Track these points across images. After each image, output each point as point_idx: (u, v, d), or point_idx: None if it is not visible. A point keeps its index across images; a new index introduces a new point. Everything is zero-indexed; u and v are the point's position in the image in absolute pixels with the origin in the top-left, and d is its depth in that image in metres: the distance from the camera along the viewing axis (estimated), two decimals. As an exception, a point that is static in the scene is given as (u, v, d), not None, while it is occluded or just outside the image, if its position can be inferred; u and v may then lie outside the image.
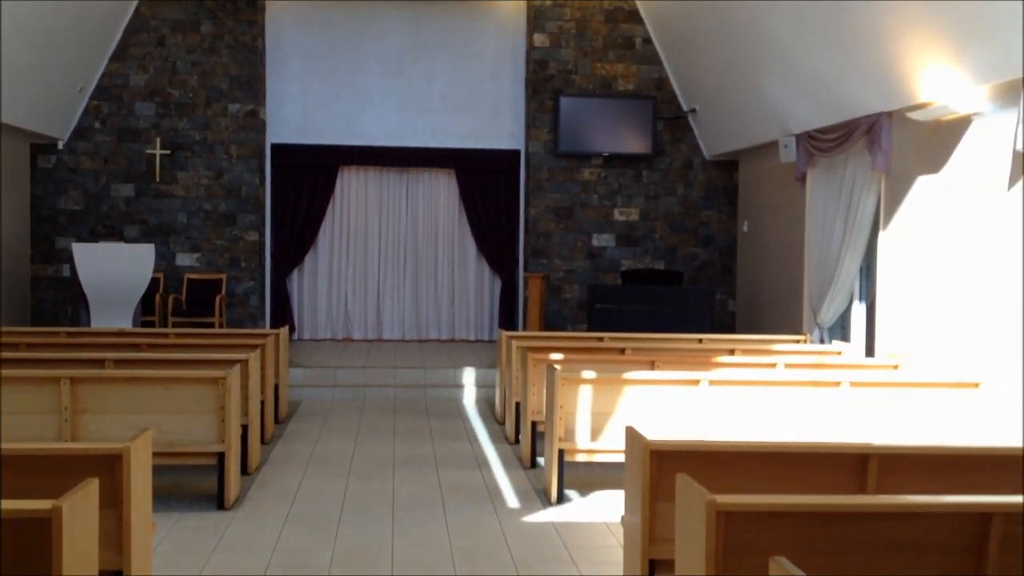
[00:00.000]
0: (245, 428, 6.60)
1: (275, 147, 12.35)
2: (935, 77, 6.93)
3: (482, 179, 12.62)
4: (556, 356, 7.26)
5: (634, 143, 12.15)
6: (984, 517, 3.18)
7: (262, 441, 7.51)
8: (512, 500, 6.28)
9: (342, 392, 9.89)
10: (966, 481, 4.13)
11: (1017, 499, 3.33)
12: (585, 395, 6.05)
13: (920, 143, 7.48)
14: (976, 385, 6.21)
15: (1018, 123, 5.99)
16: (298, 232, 12.49)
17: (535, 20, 12.21)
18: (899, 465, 4.10)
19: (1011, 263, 6.34)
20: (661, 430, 5.80)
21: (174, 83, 11.92)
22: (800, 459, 4.12)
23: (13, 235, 10.93)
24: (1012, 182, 6.33)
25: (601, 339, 8.67)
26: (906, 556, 3.19)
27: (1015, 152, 6.18)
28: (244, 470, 6.61)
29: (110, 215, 11.91)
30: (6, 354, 6.97)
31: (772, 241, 10.87)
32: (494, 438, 8.20)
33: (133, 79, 11.87)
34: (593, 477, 6.68)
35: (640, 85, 12.30)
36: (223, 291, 11.87)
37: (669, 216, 12.42)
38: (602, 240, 12.37)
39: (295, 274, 12.73)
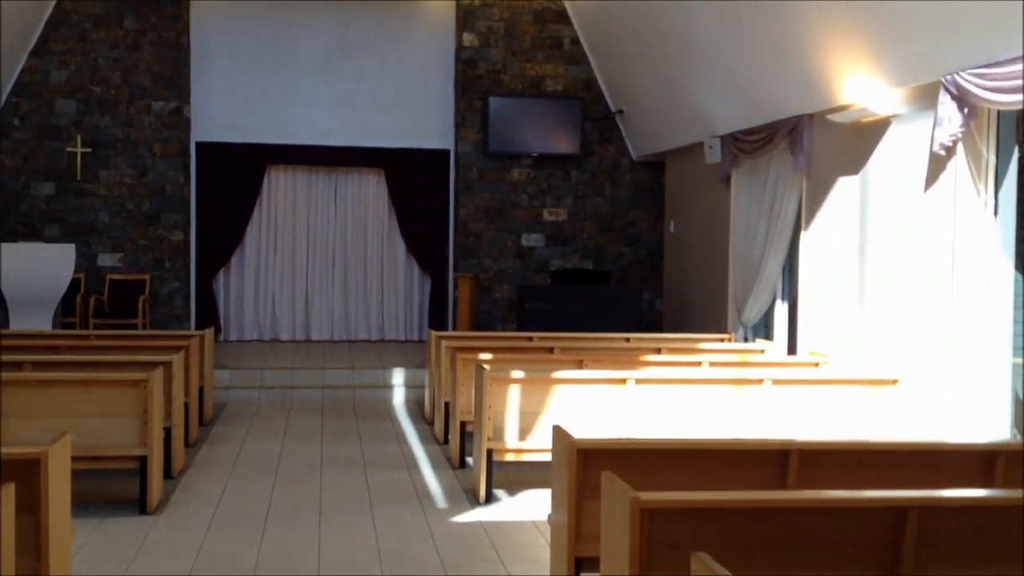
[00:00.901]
0: (168, 431, 6.49)
1: (200, 145, 12.13)
2: (855, 80, 7.11)
3: (412, 179, 12.57)
4: (485, 356, 7.27)
5: (563, 143, 12.23)
6: (900, 511, 3.27)
7: (186, 444, 7.39)
8: (440, 500, 6.28)
9: (269, 394, 9.77)
10: (884, 476, 4.24)
11: (932, 493, 3.44)
12: (514, 395, 6.07)
13: (840, 144, 7.67)
14: (895, 382, 6.39)
15: (934, 125, 6.18)
16: (224, 232, 12.30)
17: (464, 20, 12.21)
18: (819, 461, 4.19)
19: (929, 262, 6.54)
20: (589, 429, 5.85)
21: (96, 80, 11.64)
22: (723, 456, 4.19)
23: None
24: (929, 183, 6.53)
25: (530, 339, 8.72)
26: (825, 550, 3.27)
27: (931, 153, 6.37)
28: (168, 474, 6.48)
29: (30, 214, 11.58)
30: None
31: (698, 241, 11.04)
32: (423, 438, 8.18)
33: (54, 75, 11.56)
34: (522, 476, 6.71)
35: (569, 86, 12.38)
36: (147, 292, 11.63)
37: (597, 216, 12.53)
38: (531, 240, 12.42)
39: (221, 274, 12.52)
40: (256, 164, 12.33)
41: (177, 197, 11.84)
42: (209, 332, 8.81)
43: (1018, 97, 5.41)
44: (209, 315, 12.16)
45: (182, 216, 11.87)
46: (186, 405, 7.39)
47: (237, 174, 12.25)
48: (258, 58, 12.23)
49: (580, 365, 7.23)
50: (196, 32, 12.03)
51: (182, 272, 11.92)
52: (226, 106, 12.20)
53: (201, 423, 8.32)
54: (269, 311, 12.67)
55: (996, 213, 6.21)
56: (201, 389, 8.30)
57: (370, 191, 12.80)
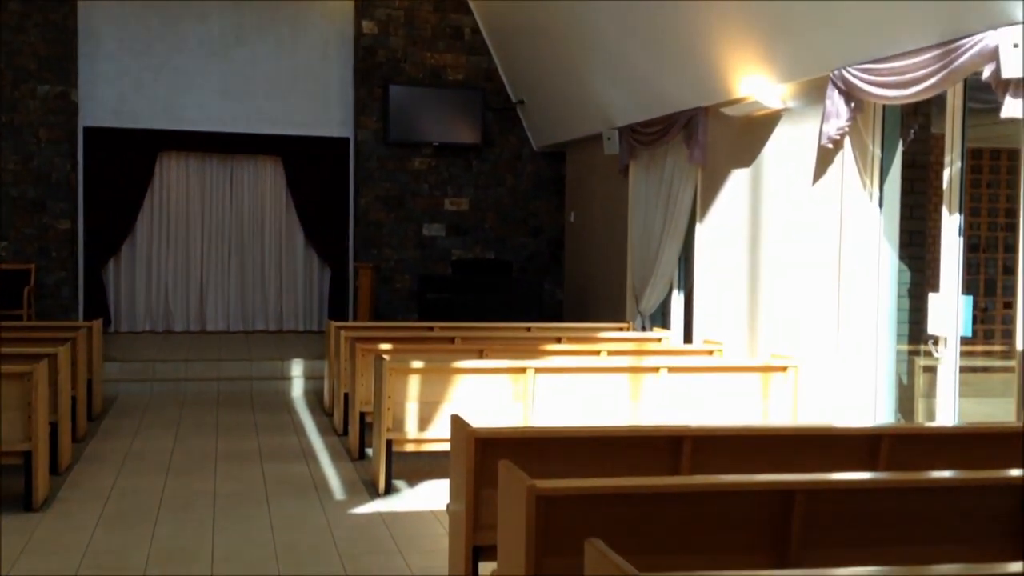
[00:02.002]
0: (55, 425, 6.27)
1: (88, 130, 11.71)
2: (747, 74, 7.28)
3: (310, 167, 12.37)
4: (385, 346, 7.23)
5: (464, 133, 12.21)
6: (787, 495, 3.37)
7: (74, 439, 7.15)
8: (339, 492, 6.22)
9: (162, 386, 9.52)
10: (774, 460, 4.35)
11: (818, 476, 3.55)
12: (413, 385, 6.05)
13: (734, 137, 7.85)
14: (784, 369, 6.58)
15: (823, 119, 6.37)
16: (114, 220, 11.90)
17: (363, 7, 12.07)
18: (712, 446, 4.28)
19: (818, 253, 6.75)
20: (489, 419, 5.87)
21: (-23, 62, 11.14)
22: (619, 443, 4.25)
23: None
24: (817, 175, 6.74)
25: (431, 329, 8.69)
26: (717, 533, 3.34)
27: (820, 146, 6.58)
28: (54, 469, 6.27)
29: (-97, 200, 11.02)
30: None
31: (598, 231, 11.17)
32: (322, 430, 8.08)
33: (-70, 56, 11.02)
34: (422, 467, 6.69)
35: (469, 75, 12.36)
36: (32, 282, 11.19)
37: (499, 206, 12.56)
38: (433, 230, 12.38)
39: (111, 264, 12.12)
40: (147, 150, 11.95)
41: (64, 184, 11.42)
42: (98, 323, 8.55)
43: (903, 92, 5.61)
44: (98, 306, 11.76)
45: (69, 204, 11.45)
46: (74, 399, 7.15)
47: (127, 160, 11.85)
48: (148, 42, 11.86)
49: (481, 355, 7.25)
50: (84, 15, 11.58)
51: (69, 262, 11.51)
52: (115, 91, 11.80)
53: (90, 417, 8.06)
54: (162, 302, 12.33)
55: (881, 205, 6.44)
56: (90, 382, 8.03)
57: (267, 179, 12.56)
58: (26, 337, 7.66)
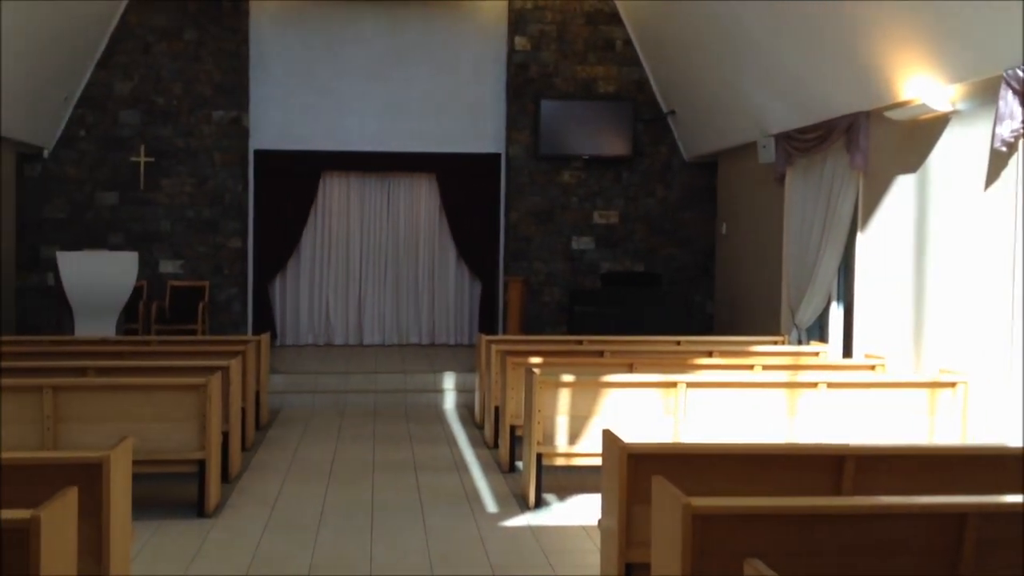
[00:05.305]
0: (226, 435, 6.60)
1: (258, 153, 12.31)
2: (912, 76, 6.99)
3: (462, 183, 12.62)
4: (535, 360, 7.27)
5: (614, 145, 12.20)
6: (959, 518, 3.21)
7: (243, 448, 7.50)
8: (491, 504, 6.29)
9: (323, 398, 9.88)
10: (943, 481, 4.16)
11: (992, 499, 3.36)
12: (563, 398, 6.07)
13: (898, 142, 7.54)
14: (953, 385, 6.27)
15: (995, 121, 6.04)
16: (281, 238, 12.47)
17: (516, 23, 12.24)
18: (875, 466, 4.13)
19: (990, 263, 6.40)
20: (639, 433, 5.82)
21: (158, 90, 11.89)
22: (776, 461, 4.14)
23: (-1, 244, 10.87)
24: (990, 180, 6.39)
25: (580, 342, 8.69)
26: (881, 557, 3.22)
27: (992, 150, 6.24)
28: (225, 477, 6.59)
29: (95, 223, 11.86)
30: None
31: (751, 242, 10.93)
32: (473, 442, 8.21)
33: (118, 87, 11.83)
34: (572, 481, 6.70)
35: (620, 87, 12.34)
36: (206, 298, 11.83)
37: (648, 218, 12.47)
38: (582, 243, 12.40)
39: (277, 280, 12.70)
40: (311, 171, 12.48)
41: (235, 205, 12.04)
42: (265, 337, 8.94)
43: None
44: (265, 320, 12.34)
45: (240, 223, 12.07)
46: (243, 409, 7.49)
47: (293, 181, 12.41)
48: (312, 66, 12.37)
49: (630, 369, 7.20)
50: (253, 42, 12.21)
51: (240, 278, 12.11)
52: (282, 114, 12.36)
53: (257, 427, 8.44)
54: (323, 316, 12.81)
55: (1059, 211, 6.06)
56: (257, 393, 8.41)
57: (421, 196, 12.88)
58: (201, 351, 8.09)
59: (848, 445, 4.28)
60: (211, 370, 6.48)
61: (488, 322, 12.56)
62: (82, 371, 6.65)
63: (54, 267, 10.03)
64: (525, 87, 12.26)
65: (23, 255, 11.66)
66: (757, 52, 9.09)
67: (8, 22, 8.84)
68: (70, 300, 9.49)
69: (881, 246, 7.84)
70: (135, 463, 4.53)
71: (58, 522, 3.27)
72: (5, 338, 8.83)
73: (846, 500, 3.70)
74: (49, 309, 11.44)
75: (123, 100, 11.83)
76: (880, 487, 4.07)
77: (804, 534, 3.17)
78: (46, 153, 11.71)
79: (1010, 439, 6.00)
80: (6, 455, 4.25)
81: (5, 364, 6.97)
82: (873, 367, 7.33)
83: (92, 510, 3.90)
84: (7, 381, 5.78)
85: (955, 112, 6.79)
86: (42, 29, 9.68)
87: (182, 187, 11.96)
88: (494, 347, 8.03)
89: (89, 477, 3.90)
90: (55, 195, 11.79)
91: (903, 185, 7.50)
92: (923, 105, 6.88)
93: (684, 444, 4.61)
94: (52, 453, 5.20)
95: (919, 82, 6.93)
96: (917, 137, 7.26)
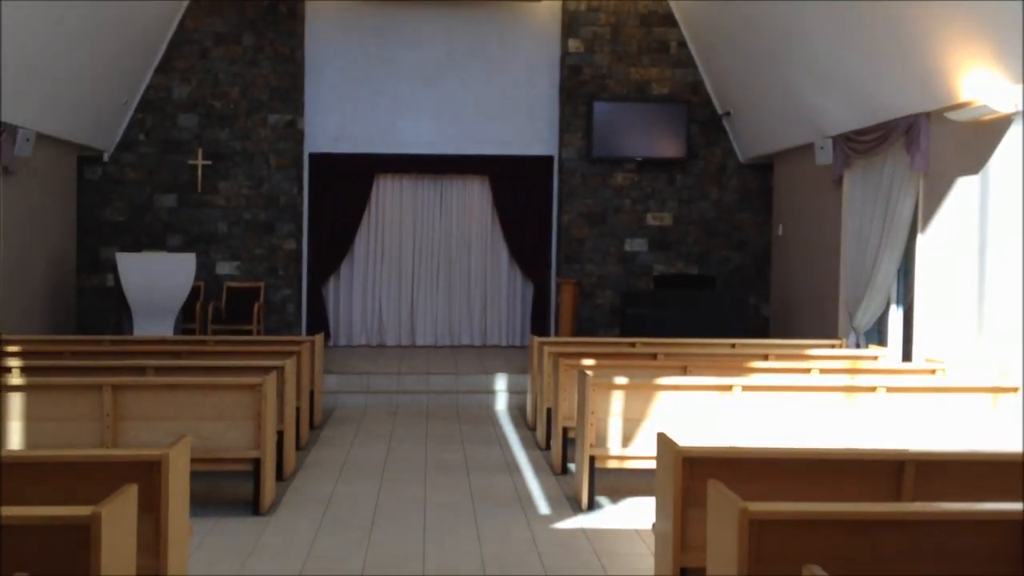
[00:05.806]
0: (281, 434, 6.67)
1: (313, 156, 12.44)
2: (974, 76, 6.84)
3: (515, 185, 12.64)
4: (588, 362, 7.25)
5: (668, 147, 12.12)
6: (1022, 525, 3.13)
7: (297, 447, 7.57)
8: (543, 506, 6.28)
9: (375, 398, 9.94)
10: (1005, 488, 4.06)
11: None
12: (617, 401, 6.03)
13: (959, 143, 7.38)
14: (1015, 390, 6.12)
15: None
16: (334, 240, 12.58)
17: (569, 25, 12.22)
18: (936, 472, 4.04)
19: (1051, 266, 6.24)
20: (693, 436, 5.77)
21: (216, 94, 12.07)
22: (834, 466, 4.08)
23: (60, 246, 11.10)
24: (1052, 184, 6.24)
25: (633, 344, 8.65)
26: (942, 565, 3.15)
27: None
28: (280, 476, 6.66)
29: (153, 225, 12.08)
30: (51, 362, 7.10)
31: (807, 244, 10.78)
32: (525, 444, 8.20)
33: (176, 91, 12.04)
34: (624, 483, 6.66)
35: (674, 89, 12.26)
36: (261, 299, 11.98)
37: (702, 220, 12.36)
38: (635, 245, 12.34)
39: (331, 281, 12.81)
40: (365, 174, 12.58)
41: (291, 207, 12.18)
42: (319, 338, 9.03)
43: None
44: (319, 321, 12.46)
45: (295, 225, 12.20)
46: (297, 409, 7.56)
47: (347, 184, 12.52)
48: (367, 70, 12.47)
49: (684, 372, 7.15)
50: (309, 46, 12.34)
51: (294, 279, 12.25)
52: (336, 118, 12.48)
53: (311, 426, 8.52)
54: (376, 317, 12.90)
55: None
56: (311, 393, 8.49)
57: (474, 198, 12.91)
58: (256, 351, 8.20)
59: (908, 451, 4.20)
60: (266, 370, 6.56)
61: (540, 324, 12.55)
62: (141, 370, 6.77)
63: (113, 268, 10.23)
64: (578, 89, 12.23)
65: (83, 257, 11.91)
66: (814, 53, 8.97)
67: (70, 27, 9.05)
68: (129, 301, 9.68)
69: (942, 248, 7.68)
70: (192, 461, 4.60)
71: (118, 519, 3.32)
72: (66, 337, 9.03)
73: (906, 506, 3.62)
74: (108, 310, 11.67)
75: (181, 104, 12.04)
76: (941, 493, 3.99)
77: (863, 540, 3.11)
78: (106, 156, 11.95)
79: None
80: (67, 452, 4.34)
81: (66, 363, 7.13)
82: (933, 371, 7.18)
83: (151, 507, 3.96)
84: (68, 380, 5.90)
85: (1018, 113, 6.63)
86: (102, 35, 9.89)
87: (238, 190, 12.13)
88: (547, 349, 8.02)
89: (148, 475, 3.97)
90: (115, 197, 12.03)
91: (964, 187, 7.34)
92: (985, 106, 6.72)
93: (740, 448, 4.55)
94: (112, 451, 5.30)
95: (981, 82, 6.78)
96: (979, 138, 7.10)
